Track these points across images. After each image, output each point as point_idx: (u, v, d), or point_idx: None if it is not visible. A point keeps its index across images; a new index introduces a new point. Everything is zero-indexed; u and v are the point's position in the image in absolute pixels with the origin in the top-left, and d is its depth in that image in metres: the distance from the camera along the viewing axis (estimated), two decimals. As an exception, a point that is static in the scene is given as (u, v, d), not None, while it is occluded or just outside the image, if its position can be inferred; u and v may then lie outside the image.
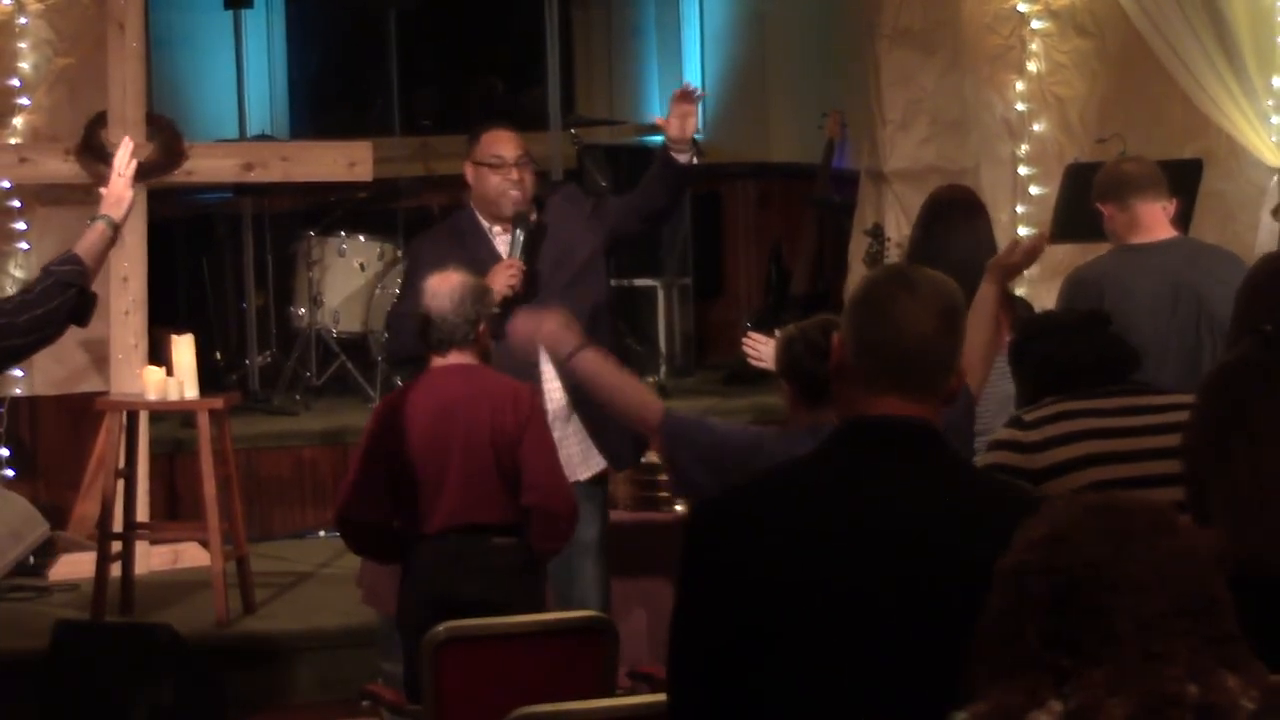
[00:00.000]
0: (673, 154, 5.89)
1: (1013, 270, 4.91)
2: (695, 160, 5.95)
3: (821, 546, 2.65)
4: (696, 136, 6.10)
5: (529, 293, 5.79)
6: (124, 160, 5.14)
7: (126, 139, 5.25)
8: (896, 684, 2.62)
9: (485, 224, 6.03)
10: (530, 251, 5.90)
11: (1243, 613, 2.22)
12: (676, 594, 2.73)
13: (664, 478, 6.12)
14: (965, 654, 2.33)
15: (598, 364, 4.62)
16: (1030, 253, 4.92)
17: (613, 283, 6.62)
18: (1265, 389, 2.93)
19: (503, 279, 5.73)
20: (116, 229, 4.98)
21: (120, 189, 5.05)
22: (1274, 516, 2.86)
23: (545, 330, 4.73)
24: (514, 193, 5.95)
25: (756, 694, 2.64)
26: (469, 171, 6.07)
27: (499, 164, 5.97)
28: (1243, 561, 2.76)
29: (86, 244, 4.87)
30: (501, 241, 5.97)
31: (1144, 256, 5.92)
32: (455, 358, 5.20)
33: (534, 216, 6.01)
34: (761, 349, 5.16)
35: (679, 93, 5.93)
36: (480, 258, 5.75)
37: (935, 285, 2.75)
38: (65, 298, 4.66)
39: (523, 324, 4.87)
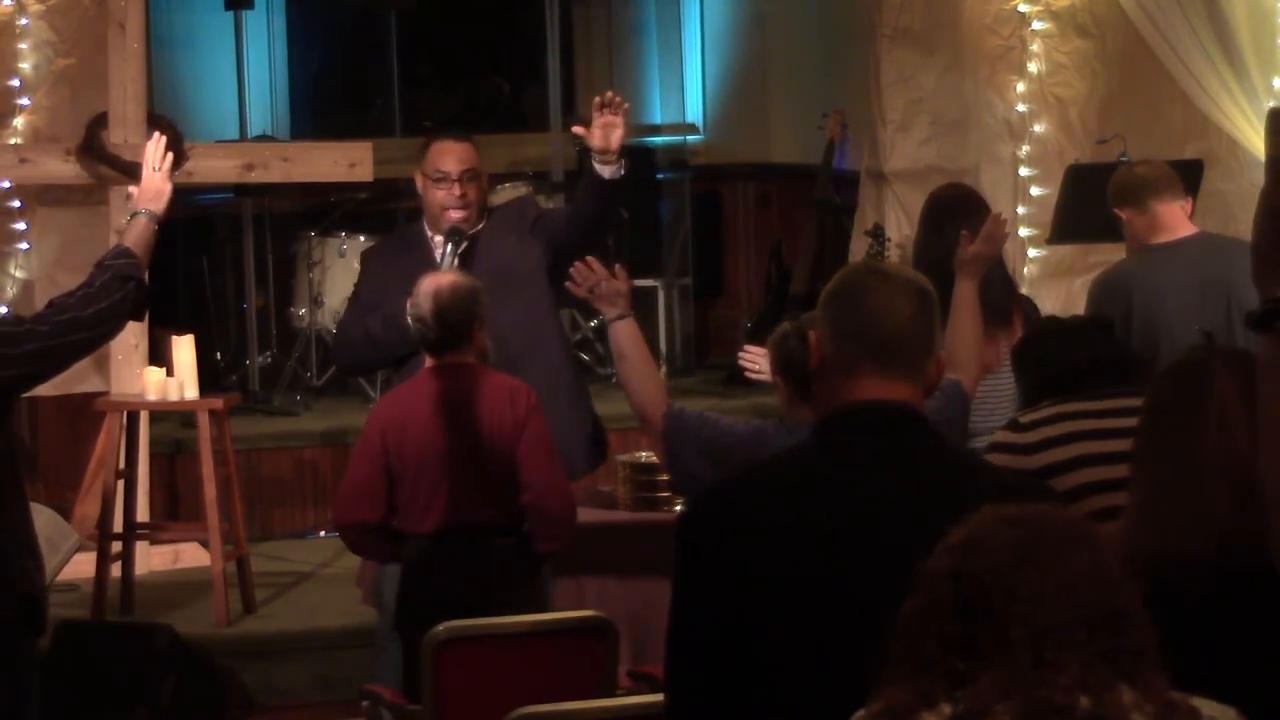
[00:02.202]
0: (597, 166, 5.75)
1: (979, 260, 4.86)
2: (624, 171, 5.75)
3: (814, 537, 2.65)
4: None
5: None
6: (158, 155, 4.98)
7: (156, 134, 5.15)
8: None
9: (430, 235, 5.95)
10: (463, 265, 5.75)
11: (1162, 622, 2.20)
12: (672, 591, 2.73)
13: (664, 478, 6.11)
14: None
15: (632, 340, 4.66)
16: (990, 238, 4.89)
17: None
18: (1195, 387, 2.91)
19: None
20: (158, 222, 4.86)
21: (158, 183, 4.89)
22: (1184, 514, 2.84)
23: (606, 285, 4.72)
24: (454, 211, 5.86)
25: (753, 689, 2.64)
26: (418, 182, 5.99)
27: (441, 179, 5.89)
28: (1162, 558, 2.76)
29: (133, 237, 4.71)
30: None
31: (1167, 254, 5.93)
32: (452, 357, 5.19)
33: (478, 229, 5.90)
34: (760, 361, 5.15)
35: (598, 101, 5.72)
36: (419, 269, 5.57)
37: (906, 273, 2.83)
38: (126, 290, 4.55)
39: (583, 272, 4.79)
